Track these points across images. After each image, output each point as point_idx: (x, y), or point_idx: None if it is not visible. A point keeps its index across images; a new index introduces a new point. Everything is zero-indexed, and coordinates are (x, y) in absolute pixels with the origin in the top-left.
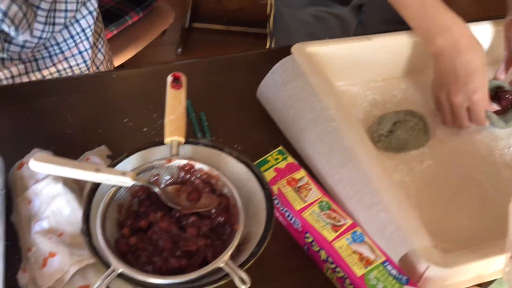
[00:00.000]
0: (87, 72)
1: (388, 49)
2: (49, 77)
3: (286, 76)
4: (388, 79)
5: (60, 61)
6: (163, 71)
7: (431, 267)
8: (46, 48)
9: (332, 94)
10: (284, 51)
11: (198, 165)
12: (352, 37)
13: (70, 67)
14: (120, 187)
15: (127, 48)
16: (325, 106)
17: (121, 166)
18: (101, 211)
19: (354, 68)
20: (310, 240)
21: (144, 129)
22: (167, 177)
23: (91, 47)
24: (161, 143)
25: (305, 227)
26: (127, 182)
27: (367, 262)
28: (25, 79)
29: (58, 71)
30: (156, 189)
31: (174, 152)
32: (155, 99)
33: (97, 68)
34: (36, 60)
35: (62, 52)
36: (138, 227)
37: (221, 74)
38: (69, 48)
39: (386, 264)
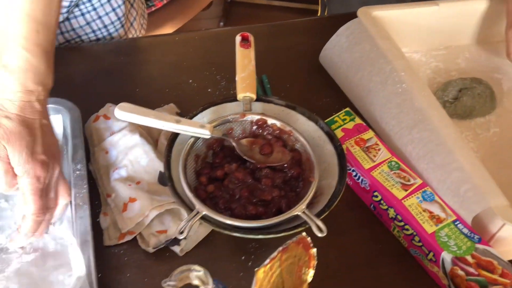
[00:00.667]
0: (122, 30)
1: (455, 16)
2: (85, 37)
3: (353, 39)
4: (452, 47)
5: (93, 20)
6: (224, 34)
7: (506, 226)
8: (77, 6)
9: (401, 56)
10: (340, 18)
11: (270, 121)
12: (418, 2)
13: (105, 26)
14: (197, 139)
15: (174, 20)
16: (395, 68)
17: (195, 120)
18: (182, 159)
19: (418, 34)
20: (378, 198)
21: (209, 90)
22: (240, 132)
23: (123, 3)
24: (233, 99)
25: (373, 185)
26: (206, 133)
27: (437, 220)
28: (61, 39)
29: (93, 31)
30: (233, 142)
31: (247, 108)
32: (217, 62)
33: (131, 24)
34: (68, 19)
35: (94, 9)
36: (215, 177)
37: (280, 39)
38: (102, 5)
39: (457, 223)
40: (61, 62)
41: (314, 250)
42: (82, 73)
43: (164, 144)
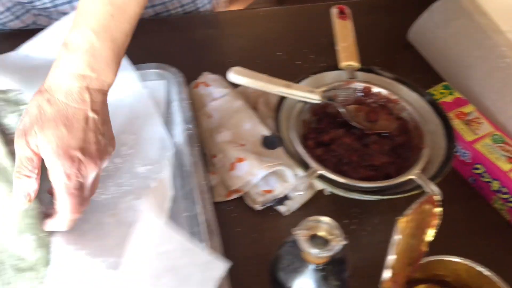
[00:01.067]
0: (209, 5)
1: None
2: (173, 12)
3: (448, 15)
4: None
5: None
6: (309, 9)
7: None
8: None
9: (501, 32)
10: None
11: (375, 89)
12: None
13: (193, 1)
14: (304, 104)
15: None
16: (496, 43)
17: None
18: (293, 122)
19: None
20: (480, 171)
21: (297, 62)
22: (343, 99)
23: None
24: (333, 68)
25: (476, 158)
26: (315, 98)
27: None
28: (151, 12)
29: (182, 5)
30: (341, 108)
31: (350, 76)
32: (304, 36)
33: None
34: None
35: None
36: (321, 141)
37: (362, 17)
38: None
39: None
40: (153, 33)
41: (439, 209)
42: (179, 43)
43: (263, 111)
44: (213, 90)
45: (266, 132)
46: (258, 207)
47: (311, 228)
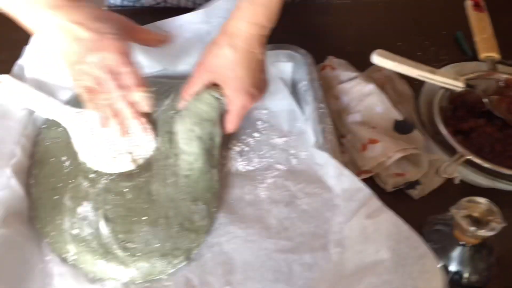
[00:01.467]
0: None
1: None
2: None
3: None
4: None
5: None
6: (429, 2)
7: None
8: None
9: None
10: None
11: None
12: None
13: None
14: (445, 91)
15: None
16: None
17: None
18: (436, 108)
19: None
20: None
21: (418, 54)
22: (483, 89)
23: None
24: (471, 59)
25: None
26: (458, 85)
27: None
28: None
29: None
30: (484, 98)
31: (492, 67)
32: (424, 28)
33: None
34: None
35: None
36: (460, 129)
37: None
38: None
39: None
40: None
41: None
42: (299, 30)
43: (392, 96)
44: (339, 73)
45: (398, 116)
46: (389, 188)
47: (467, 208)
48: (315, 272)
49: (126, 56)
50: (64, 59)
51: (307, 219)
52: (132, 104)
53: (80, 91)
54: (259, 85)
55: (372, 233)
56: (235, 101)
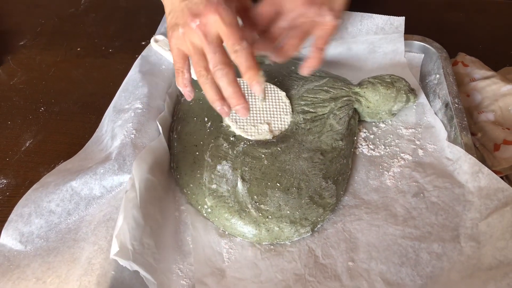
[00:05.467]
0: None
1: None
2: None
3: None
4: None
5: None
6: None
7: None
8: None
9: None
10: None
11: None
12: None
13: None
14: None
15: None
16: None
17: None
18: None
19: None
20: None
21: None
22: None
23: None
24: None
25: None
26: None
27: None
28: None
29: None
30: None
31: None
32: None
33: None
34: None
35: None
36: None
37: None
38: None
39: None
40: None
41: None
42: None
43: None
44: (472, 70)
45: None
46: None
47: None
48: (444, 262)
49: (235, 28)
50: (168, 20)
51: (436, 211)
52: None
53: (174, 58)
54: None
55: None
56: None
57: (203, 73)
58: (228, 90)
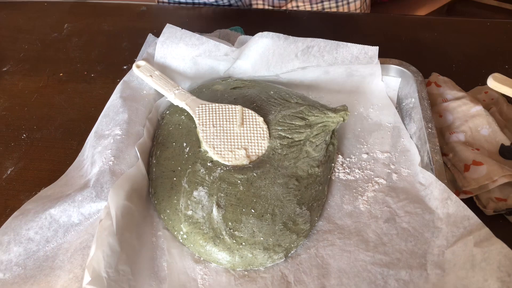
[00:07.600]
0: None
1: None
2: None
3: None
4: None
5: None
6: None
7: None
8: None
9: None
10: None
11: None
12: None
13: None
14: None
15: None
16: None
17: None
18: None
19: None
20: None
21: None
22: None
23: None
24: None
25: None
26: None
27: None
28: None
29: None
30: None
31: None
32: None
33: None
34: None
35: None
36: None
37: None
38: None
39: None
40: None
41: None
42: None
43: (499, 120)
44: (444, 91)
45: (505, 141)
46: (490, 212)
47: None
48: None
49: None
50: None
51: (406, 237)
52: None
53: None
54: None
55: (480, 262)
56: None
57: None
58: None
